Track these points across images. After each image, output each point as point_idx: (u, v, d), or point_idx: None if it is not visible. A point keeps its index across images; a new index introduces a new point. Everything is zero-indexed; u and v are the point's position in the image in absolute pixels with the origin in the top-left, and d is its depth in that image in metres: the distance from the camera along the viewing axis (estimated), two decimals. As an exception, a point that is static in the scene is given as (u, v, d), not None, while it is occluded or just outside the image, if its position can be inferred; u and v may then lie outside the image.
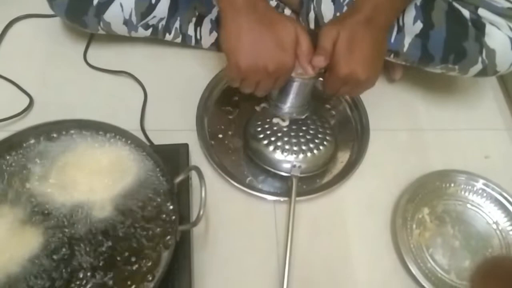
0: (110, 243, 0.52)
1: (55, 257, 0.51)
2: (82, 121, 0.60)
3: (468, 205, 0.72)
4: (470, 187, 0.73)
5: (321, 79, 0.64)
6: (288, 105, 0.68)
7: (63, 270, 0.50)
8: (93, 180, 0.57)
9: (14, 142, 0.57)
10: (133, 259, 0.51)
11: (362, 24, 0.60)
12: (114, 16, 0.75)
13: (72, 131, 0.60)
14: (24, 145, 0.58)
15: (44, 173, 0.56)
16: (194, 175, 0.56)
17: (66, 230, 0.52)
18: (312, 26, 0.80)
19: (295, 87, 0.65)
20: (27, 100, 0.75)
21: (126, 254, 0.52)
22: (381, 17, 0.62)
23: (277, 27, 0.58)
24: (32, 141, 0.58)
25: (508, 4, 0.68)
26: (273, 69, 0.58)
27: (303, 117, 0.71)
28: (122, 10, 0.74)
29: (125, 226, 0.54)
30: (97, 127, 0.60)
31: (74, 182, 0.56)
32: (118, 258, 0.51)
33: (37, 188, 0.55)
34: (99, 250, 0.52)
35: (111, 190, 0.56)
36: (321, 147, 0.70)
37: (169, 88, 0.80)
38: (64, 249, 0.51)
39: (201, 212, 0.50)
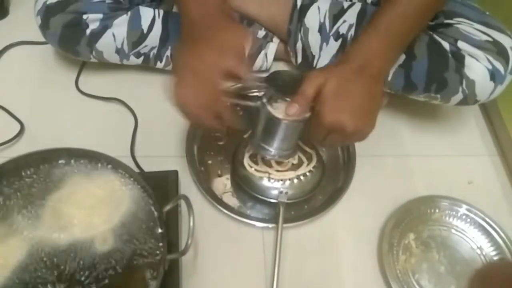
0: (100, 275, 0.53)
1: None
2: (72, 150, 0.61)
3: (453, 231, 0.74)
4: (454, 212, 0.75)
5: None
6: (274, 147, 0.64)
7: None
8: (89, 215, 0.57)
9: (6, 171, 0.58)
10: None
11: (354, 72, 0.57)
12: (106, 45, 0.77)
13: (62, 161, 0.61)
14: (15, 177, 0.58)
15: (39, 215, 0.56)
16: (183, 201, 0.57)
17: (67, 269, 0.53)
18: (300, 56, 0.82)
19: (282, 129, 0.62)
20: (18, 127, 0.76)
21: (115, 284, 0.52)
22: (375, 66, 0.59)
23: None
24: (23, 173, 0.59)
25: (485, 37, 0.71)
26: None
27: (287, 160, 0.70)
28: (114, 39, 0.76)
29: (118, 257, 0.54)
30: (87, 155, 0.61)
31: (71, 220, 0.56)
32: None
33: (36, 233, 0.55)
34: (89, 283, 0.52)
35: (108, 222, 0.57)
36: (307, 173, 0.72)
37: (160, 115, 0.81)
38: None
39: (189, 242, 0.51)
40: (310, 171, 0.72)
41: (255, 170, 0.71)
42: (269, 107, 0.60)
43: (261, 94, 0.63)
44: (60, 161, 0.60)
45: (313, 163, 0.73)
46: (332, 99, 0.55)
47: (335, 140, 0.60)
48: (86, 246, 0.54)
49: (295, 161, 0.72)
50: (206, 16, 0.57)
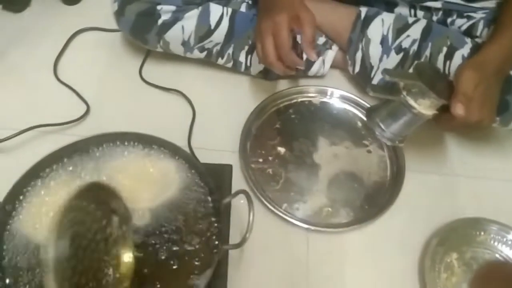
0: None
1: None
2: (143, 136, 0.64)
3: (497, 255, 0.73)
4: (500, 237, 0.74)
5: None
6: (392, 131, 0.66)
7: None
8: (138, 188, 0.60)
9: (78, 148, 0.62)
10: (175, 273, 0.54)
11: (496, 74, 0.62)
12: (174, 36, 0.80)
13: (129, 143, 0.64)
14: (86, 151, 0.62)
15: (94, 174, 0.61)
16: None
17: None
18: (358, 65, 0.83)
19: (409, 116, 0.64)
20: (84, 107, 0.80)
21: (167, 266, 0.55)
22: (507, 69, 0.65)
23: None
24: (93, 149, 0.63)
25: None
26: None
27: (395, 145, 0.70)
28: (183, 32, 0.79)
29: (167, 239, 0.57)
30: (156, 142, 0.64)
31: (119, 187, 0.59)
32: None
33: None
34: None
35: (153, 200, 0.60)
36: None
37: (217, 109, 0.84)
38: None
39: (248, 235, 0.53)
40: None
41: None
42: (412, 101, 0.62)
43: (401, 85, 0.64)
44: (127, 142, 0.64)
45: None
46: (481, 99, 0.60)
47: (462, 129, 0.66)
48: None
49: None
50: None
